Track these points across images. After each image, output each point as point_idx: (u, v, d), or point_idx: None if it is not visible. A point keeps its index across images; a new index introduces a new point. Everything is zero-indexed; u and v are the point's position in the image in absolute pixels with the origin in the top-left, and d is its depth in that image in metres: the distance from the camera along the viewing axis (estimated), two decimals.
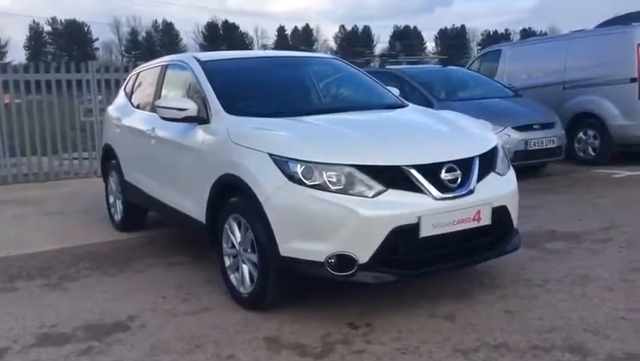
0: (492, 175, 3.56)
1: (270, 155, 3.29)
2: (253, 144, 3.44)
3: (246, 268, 3.54)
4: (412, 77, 8.53)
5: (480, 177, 3.45)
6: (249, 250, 3.48)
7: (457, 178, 3.33)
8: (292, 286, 3.44)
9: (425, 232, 3.20)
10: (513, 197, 3.65)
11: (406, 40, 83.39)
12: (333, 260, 3.14)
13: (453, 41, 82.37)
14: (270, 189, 3.26)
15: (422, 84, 8.31)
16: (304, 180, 3.17)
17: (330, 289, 3.63)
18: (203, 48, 76.53)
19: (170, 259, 4.66)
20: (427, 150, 3.40)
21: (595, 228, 5.18)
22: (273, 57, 5.40)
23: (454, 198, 3.30)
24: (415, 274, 3.37)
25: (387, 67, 9.32)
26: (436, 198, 3.24)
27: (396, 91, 4.85)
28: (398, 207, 3.16)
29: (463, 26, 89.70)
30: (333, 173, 3.17)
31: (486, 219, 3.41)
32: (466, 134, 3.77)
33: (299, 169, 3.19)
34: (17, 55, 73.76)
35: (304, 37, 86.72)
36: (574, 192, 6.95)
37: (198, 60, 4.43)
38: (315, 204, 3.14)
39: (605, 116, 8.65)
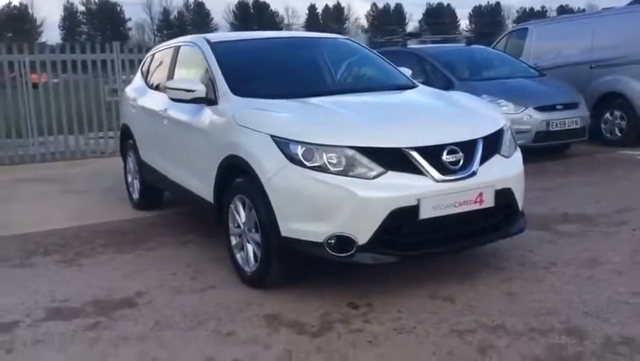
0: (496, 157, 3.54)
1: (272, 136, 3.33)
2: (256, 125, 3.48)
3: (250, 248, 3.60)
4: (433, 56, 8.45)
5: (483, 160, 3.43)
6: (252, 229, 3.54)
7: (459, 160, 3.32)
8: (294, 265, 3.49)
9: (425, 213, 3.20)
10: (518, 179, 3.62)
11: (439, 18, 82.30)
12: (332, 241, 3.17)
13: (487, 19, 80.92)
14: (272, 170, 3.30)
15: (443, 64, 8.22)
16: (304, 162, 3.20)
17: (334, 269, 3.67)
18: (234, 27, 76.68)
19: (182, 238, 4.75)
20: (429, 131, 3.39)
21: (611, 210, 5.11)
22: (283, 38, 5.40)
23: (456, 180, 3.29)
24: (415, 256, 3.40)
25: (410, 46, 9.22)
26: (436, 181, 3.24)
27: (407, 71, 4.82)
28: (397, 189, 3.17)
29: (498, 3, 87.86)
30: (334, 155, 3.18)
31: (489, 202, 3.39)
32: (471, 116, 3.74)
33: (299, 151, 3.21)
34: (52, 35, 75.00)
35: (335, 16, 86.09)
36: (595, 174, 6.84)
37: (208, 41, 4.47)
38: (315, 185, 3.16)
39: (631, 96, 8.45)
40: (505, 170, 3.53)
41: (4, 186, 7.38)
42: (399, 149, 3.22)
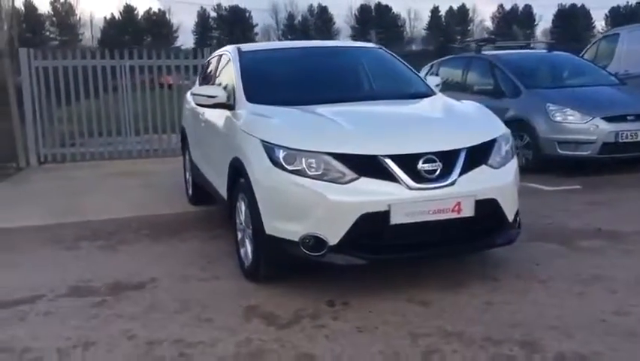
0: (482, 168, 3.57)
1: (262, 141, 3.60)
2: (251, 130, 3.77)
3: (248, 243, 3.89)
4: (505, 63, 8.32)
5: (466, 170, 3.48)
6: (249, 226, 3.82)
7: (437, 169, 3.41)
8: (279, 262, 3.72)
9: (396, 219, 3.33)
10: (506, 190, 3.63)
11: (572, 19, 78.02)
12: (306, 240, 3.38)
13: (626, 20, 75.69)
14: (259, 172, 3.57)
15: (513, 71, 8.07)
16: (286, 166, 3.44)
17: (329, 268, 3.84)
18: (355, 31, 77.38)
19: (212, 232, 5.13)
20: (408, 140, 3.50)
21: None
22: (313, 48, 5.62)
23: (431, 188, 3.38)
24: (386, 260, 3.52)
25: (483, 52, 9.10)
26: (410, 188, 3.35)
27: (435, 80, 4.89)
28: (368, 194, 3.32)
29: (638, 4, 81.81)
30: (313, 160, 3.40)
31: (468, 211, 3.45)
32: (461, 127, 3.79)
33: (281, 155, 3.46)
34: (187, 39, 79.74)
35: (459, 18, 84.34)
36: None
37: (239, 50, 4.83)
38: (293, 188, 3.40)
39: None
40: (491, 181, 3.56)
41: (93, 179, 8.20)
42: (374, 156, 3.37)
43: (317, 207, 3.34)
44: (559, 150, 7.22)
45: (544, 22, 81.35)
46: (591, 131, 7.02)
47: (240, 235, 4.06)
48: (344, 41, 6.78)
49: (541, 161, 7.41)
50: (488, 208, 3.53)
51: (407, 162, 3.37)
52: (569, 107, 7.19)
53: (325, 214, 3.33)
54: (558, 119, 7.21)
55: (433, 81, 4.89)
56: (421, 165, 3.38)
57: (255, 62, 4.68)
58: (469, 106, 4.24)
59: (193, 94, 4.53)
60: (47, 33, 76.36)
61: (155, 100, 10.42)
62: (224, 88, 4.59)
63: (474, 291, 3.68)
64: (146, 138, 10.49)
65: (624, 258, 4.22)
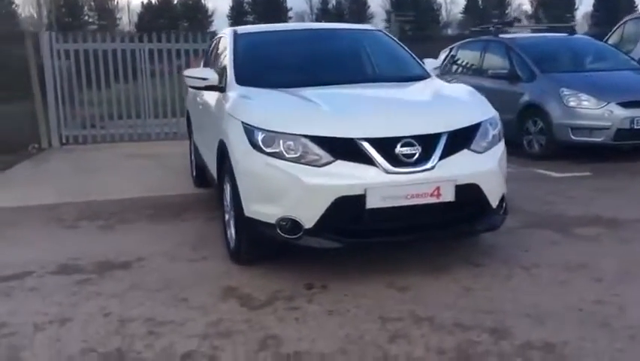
0: (465, 152, 3.51)
1: (242, 123, 3.60)
2: (234, 112, 3.77)
3: (232, 225, 3.91)
4: (521, 46, 8.14)
5: (447, 154, 3.43)
6: (233, 208, 3.85)
7: (415, 153, 3.36)
8: (259, 244, 3.73)
9: (372, 203, 3.31)
10: (490, 175, 3.57)
11: (613, 2, 75.66)
12: (283, 223, 3.39)
13: None
14: (239, 154, 3.58)
15: (529, 55, 7.89)
16: (264, 148, 3.44)
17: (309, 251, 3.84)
18: (389, 14, 76.46)
19: (212, 214, 5.14)
20: (387, 124, 3.46)
21: None
22: (310, 29, 5.58)
23: (409, 173, 3.34)
24: (362, 243, 3.51)
25: (501, 36, 8.91)
26: (387, 172, 3.32)
27: (432, 63, 4.82)
28: (344, 177, 3.30)
29: None
30: (291, 142, 3.39)
31: (448, 196, 3.40)
32: (444, 111, 3.73)
33: (260, 137, 3.46)
34: (222, 24, 79.92)
35: (496, 1, 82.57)
36: None
37: (235, 33, 4.82)
38: (269, 170, 3.40)
39: None
40: (473, 166, 3.50)
41: (109, 160, 8.35)
42: (351, 139, 3.34)
43: (293, 191, 3.34)
44: (572, 136, 7.05)
45: (584, 5, 78.93)
46: (605, 117, 6.83)
47: (227, 217, 4.09)
48: (345, 24, 6.77)
49: (554, 147, 7.25)
50: (470, 193, 3.48)
51: (385, 145, 3.34)
52: (584, 91, 7.01)
53: (301, 197, 3.33)
54: (572, 104, 7.04)
55: (430, 64, 4.81)
56: (399, 149, 3.34)
57: (249, 44, 4.68)
58: (458, 89, 4.18)
59: (186, 76, 4.56)
60: (86, 17, 77.60)
61: (174, 83, 10.50)
62: (221, 70, 4.60)
63: (456, 276, 3.64)
64: (164, 121, 10.60)
65: (618, 246, 4.12)
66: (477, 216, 3.61)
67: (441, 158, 3.41)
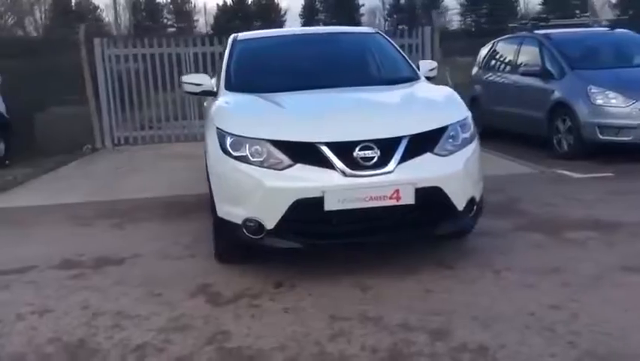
0: (427, 155, 3.55)
1: (217, 128, 3.79)
2: (213, 118, 3.97)
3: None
4: (554, 42, 7.95)
5: (407, 157, 3.49)
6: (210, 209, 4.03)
7: (374, 157, 3.44)
8: (230, 244, 3.89)
9: (330, 205, 3.41)
10: (454, 178, 3.58)
11: None
12: (247, 224, 3.55)
13: None
14: (213, 158, 3.77)
15: (561, 50, 7.70)
16: (232, 152, 3.61)
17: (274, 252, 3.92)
18: (465, 8, 74.98)
19: None
20: (347, 128, 3.54)
21: None
22: (307, 34, 5.67)
23: (367, 176, 3.43)
24: (321, 244, 3.61)
25: (535, 31, 8.71)
26: (345, 175, 3.41)
27: (429, 65, 4.84)
28: (302, 180, 3.42)
29: None
30: (255, 146, 3.55)
31: (407, 199, 3.46)
32: (409, 114, 3.76)
33: (229, 142, 3.64)
34: (294, 23, 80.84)
35: None
36: None
37: (233, 39, 5.02)
38: (235, 173, 3.57)
39: None
40: (435, 169, 3.54)
41: (148, 161, 8.77)
42: (311, 143, 3.46)
43: (255, 193, 3.49)
44: (600, 136, 6.85)
45: None
46: (634, 116, 6.60)
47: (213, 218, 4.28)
48: (345, 27, 6.84)
49: (582, 147, 7.06)
50: (432, 196, 3.52)
51: (343, 149, 3.43)
52: (612, 89, 6.79)
53: (262, 199, 3.48)
54: (599, 102, 6.84)
55: (427, 65, 4.83)
56: (357, 153, 3.43)
57: (244, 50, 4.86)
58: (435, 92, 4.20)
59: (183, 82, 4.78)
60: (165, 20, 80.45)
61: None
62: (218, 75, 4.80)
63: (422, 278, 3.69)
64: None
65: (602, 251, 4.04)
66: (441, 219, 3.63)
67: (401, 161, 3.47)
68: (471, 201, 3.71)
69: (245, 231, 3.57)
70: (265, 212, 3.48)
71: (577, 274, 3.64)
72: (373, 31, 5.40)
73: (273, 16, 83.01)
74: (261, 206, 3.49)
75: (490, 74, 9.58)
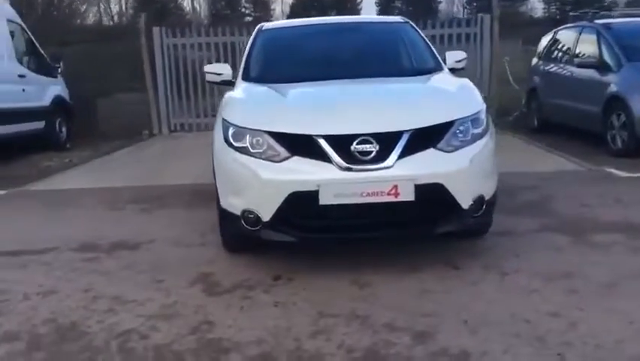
0: (430, 151, 3.42)
1: (223, 119, 3.79)
2: (221, 108, 3.97)
3: None
4: (614, 32, 7.51)
5: (408, 152, 3.37)
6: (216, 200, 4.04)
7: (372, 151, 3.35)
8: (232, 234, 3.89)
9: (325, 200, 3.34)
10: (458, 175, 3.43)
11: None
12: (245, 215, 3.54)
13: None
14: (217, 149, 3.78)
15: (620, 41, 7.25)
16: (233, 143, 3.61)
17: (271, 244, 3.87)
18: None
19: None
20: (346, 121, 3.45)
21: None
22: (333, 23, 5.54)
23: (364, 170, 3.34)
24: (316, 239, 3.55)
25: (596, 21, 8.24)
26: (342, 169, 3.34)
27: (456, 56, 4.66)
28: (298, 173, 3.37)
29: None
30: (256, 138, 3.52)
31: (407, 196, 3.35)
32: (414, 108, 3.62)
33: (231, 132, 3.63)
34: (370, 11, 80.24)
35: None
36: None
37: (258, 29, 5.01)
38: (235, 164, 3.56)
39: None
40: (437, 165, 3.40)
41: (196, 147, 8.81)
42: (309, 136, 3.40)
43: (252, 185, 3.47)
44: None
45: None
46: None
47: None
48: (375, 17, 6.62)
49: (636, 144, 6.64)
50: (433, 194, 3.39)
51: (341, 142, 3.35)
52: None
53: (259, 192, 3.45)
54: None
55: (454, 56, 4.66)
56: (354, 147, 3.34)
57: (266, 40, 4.84)
58: (451, 85, 4.04)
59: (205, 72, 4.82)
60: (242, 10, 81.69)
61: None
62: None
63: (424, 277, 3.57)
64: None
65: (624, 257, 3.78)
66: (444, 217, 3.49)
67: (401, 156, 3.35)
68: (479, 200, 3.55)
69: (243, 222, 3.56)
70: (261, 204, 3.46)
71: (589, 280, 3.42)
72: (402, 20, 5.24)
73: (349, 6, 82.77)
74: (258, 198, 3.47)
75: (549, 64, 9.17)
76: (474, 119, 3.61)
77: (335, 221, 3.48)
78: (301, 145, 3.41)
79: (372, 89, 4.04)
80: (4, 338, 3.05)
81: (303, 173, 3.37)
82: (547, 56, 9.35)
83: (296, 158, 3.41)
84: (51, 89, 10.18)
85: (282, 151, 3.43)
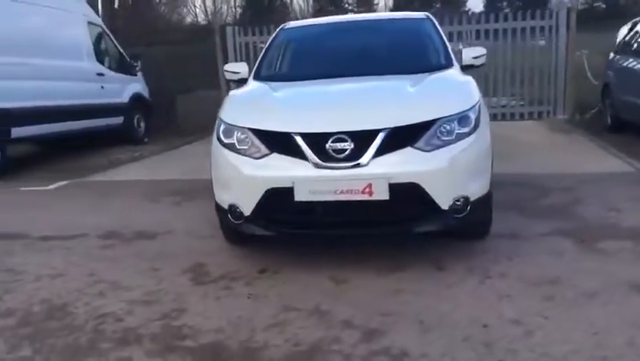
0: (407, 150, 3.40)
1: (219, 116, 3.96)
2: (222, 106, 4.14)
3: None
4: None
5: (384, 151, 3.37)
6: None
7: (347, 149, 3.38)
8: (227, 228, 4.04)
9: (300, 196, 3.42)
10: (434, 175, 3.38)
11: None
12: (231, 209, 3.69)
13: None
14: (213, 145, 3.95)
15: None
16: (223, 140, 3.76)
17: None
18: None
19: None
20: (322, 119, 3.49)
21: None
22: (351, 22, 5.49)
23: (337, 168, 3.37)
24: (292, 234, 3.63)
25: None
26: (316, 166, 3.40)
27: (474, 52, 4.56)
28: (275, 170, 3.47)
29: None
30: (242, 135, 3.66)
31: (381, 194, 3.35)
32: (391, 107, 3.57)
33: (221, 129, 3.79)
34: (476, 3, 78.01)
35: None
36: None
37: (280, 28, 5.13)
38: (223, 160, 3.72)
39: None
40: (414, 164, 3.37)
41: None
42: (287, 133, 3.48)
43: (235, 180, 3.61)
44: None
45: None
46: None
47: None
48: (396, 13, 6.44)
49: None
50: (409, 193, 3.37)
51: (316, 140, 3.41)
52: None
53: (240, 187, 3.59)
54: None
55: (471, 53, 4.56)
56: (329, 145, 3.38)
57: (283, 39, 4.95)
58: (447, 82, 3.98)
59: (224, 70, 4.99)
60: (346, 5, 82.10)
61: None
62: None
63: (404, 276, 3.57)
64: None
65: (624, 265, 3.58)
66: (422, 217, 3.46)
67: (377, 155, 3.36)
68: (462, 201, 3.47)
69: (230, 216, 3.70)
70: (243, 199, 3.59)
71: (573, 287, 3.28)
72: (423, 16, 5.16)
73: None
74: (240, 193, 3.60)
75: (625, 58, 8.62)
76: (461, 118, 3.54)
77: (312, 217, 3.54)
78: (280, 142, 3.49)
79: (362, 87, 4.04)
80: (1, 314, 3.37)
81: (279, 169, 3.46)
82: (623, 49, 8.80)
83: (275, 155, 3.50)
84: (130, 87, 10.84)
85: (263, 148, 3.53)
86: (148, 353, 2.85)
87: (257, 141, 3.56)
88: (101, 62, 10.15)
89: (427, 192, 3.37)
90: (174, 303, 3.38)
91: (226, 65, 5.12)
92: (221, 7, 43.61)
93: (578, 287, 3.27)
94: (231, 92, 4.32)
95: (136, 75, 11.07)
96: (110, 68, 10.33)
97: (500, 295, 3.25)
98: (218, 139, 3.79)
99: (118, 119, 10.36)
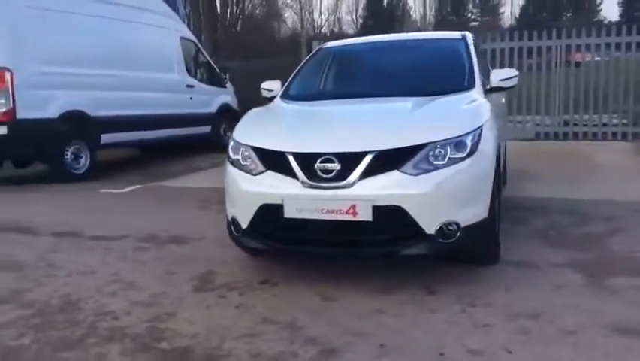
0: (394, 173, 3.44)
1: (232, 135, 4.19)
2: None
3: None
4: None
5: (371, 173, 3.44)
6: None
7: (334, 170, 3.47)
8: (235, 237, 4.22)
9: (289, 213, 3.56)
10: (419, 200, 3.39)
11: None
12: (232, 222, 3.90)
13: None
14: (226, 161, 4.18)
15: None
16: (231, 156, 3.98)
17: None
18: None
19: None
20: (314, 140, 3.62)
21: None
22: (388, 41, 5.45)
23: (323, 188, 3.48)
24: (280, 249, 3.78)
25: None
26: (304, 185, 3.53)
27: (502, 74, 4.48)
28: (268, 187, 3.64)
29: None
30: (245, 152, 3.86)
31: (364, 215, 3.42)
32: (381, 130, 3.62)
33: (231, 145, 4.01)
34: (612, 12, 73.41)
35: None
36: None
37: (319, 47, 5.29)
38: (228, 175, 3.95)
39: None
40: (398, 187, 3.40)
41: None
42: (281, 152, 3.64)
43: (236, 195, 3.82)
44: None
45: None
46: None
47: None
48: (438, 33, 6.18)
49: None
50: (393, 215, 3.41)
51: (306, 160, 3.54)
52: None
53: (239, 201, 3.79)
54: None
55: (499, 75, 4.49)
56: (318, 165, 3.50)
57: (319, 58, 5.10)
58: (451, 106, 3.96)
59: (261, 88, 5.20)
60: (469, 15, 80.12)
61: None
62: None
63: (391, 298, 3.60)
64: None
65: (621, 305, 3.38)
66: (407, 240, 3.47)
67: (363, 177, 3.43)
68: (452, 226, 3.45)
69: (232, 228, 3.91)
70: (241, 213, 3.79)
71: (553, 323, 3.16)
72: (459, 36, 5.09)
73: (587, 5, 76.30)
74: (239, 207, 3.81)
75: None
76: (457, 143, 3.52)
77: (302, 235, 3.66)
78: (274, 161, 3.66)
79: (363, 109, 4.13)
80: (23, 305, 3.77)
81: (271, 187, 3.62)
82: None
83: (269, 172, 3.67)
84: (219, 98, 11.45)
85: (260, 165, 3.72)
86: (123, 351, 3.09)
87: (256, 159, 3.74)
88: (192, 74, 10.79)
89: (410, 216, 3.39)
90: (170, 307, 3.62)
91: (263, 83, 5.34)
92: (328, 18, 44.36)
93: (557, 324, 3.14)
94: (249, 111, 4.52)
95: (225, 87, 11.66)
96: (200, 80, 10.98)
97: (477, 324, 3.20)
98: (228, 155, 4.01)
99: (206, 128, 10.97)
